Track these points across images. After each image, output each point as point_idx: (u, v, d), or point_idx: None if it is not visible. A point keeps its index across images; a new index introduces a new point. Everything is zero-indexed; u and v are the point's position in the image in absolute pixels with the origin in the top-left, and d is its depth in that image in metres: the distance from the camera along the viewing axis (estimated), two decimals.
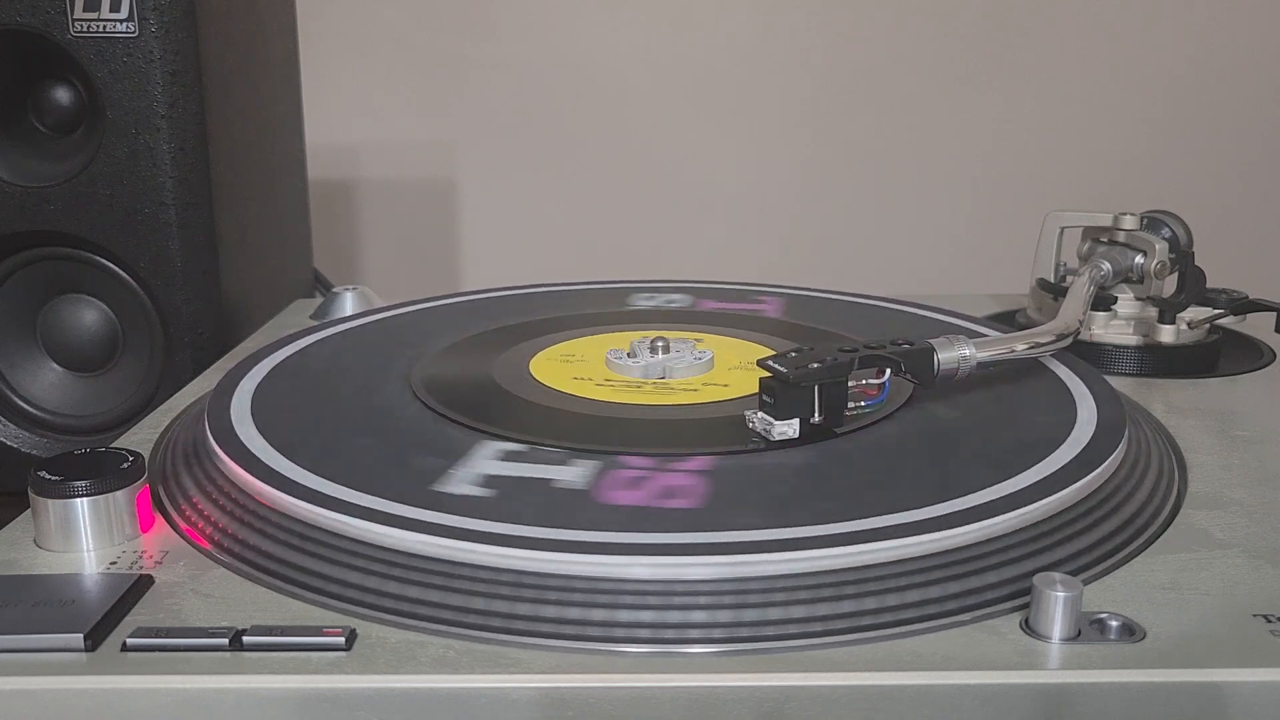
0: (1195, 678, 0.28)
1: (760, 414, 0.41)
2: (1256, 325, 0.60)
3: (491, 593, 0.31)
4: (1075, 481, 0.36)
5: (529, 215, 1.04)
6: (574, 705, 0.28)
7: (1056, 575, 0.30)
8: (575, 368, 0.50)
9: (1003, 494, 0.35)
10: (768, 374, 0.41)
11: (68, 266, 0.62)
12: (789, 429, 0.40)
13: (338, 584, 0.33)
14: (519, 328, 0.57)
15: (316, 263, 0.83)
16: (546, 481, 0.37)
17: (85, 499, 0.35)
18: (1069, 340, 0.48)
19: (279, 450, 0.39)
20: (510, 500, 0.35)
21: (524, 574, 0.31)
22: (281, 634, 0.30)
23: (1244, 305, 0.58)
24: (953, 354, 0.43)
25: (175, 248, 0.60)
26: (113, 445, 0.39)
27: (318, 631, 0.30)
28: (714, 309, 0.62)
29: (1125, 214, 0.59)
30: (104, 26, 0.57)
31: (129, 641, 0.30)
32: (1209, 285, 0.57)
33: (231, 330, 0.64)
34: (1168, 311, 0.56)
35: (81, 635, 0.30)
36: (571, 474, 0.38)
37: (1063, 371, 0.48)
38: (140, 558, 0.35)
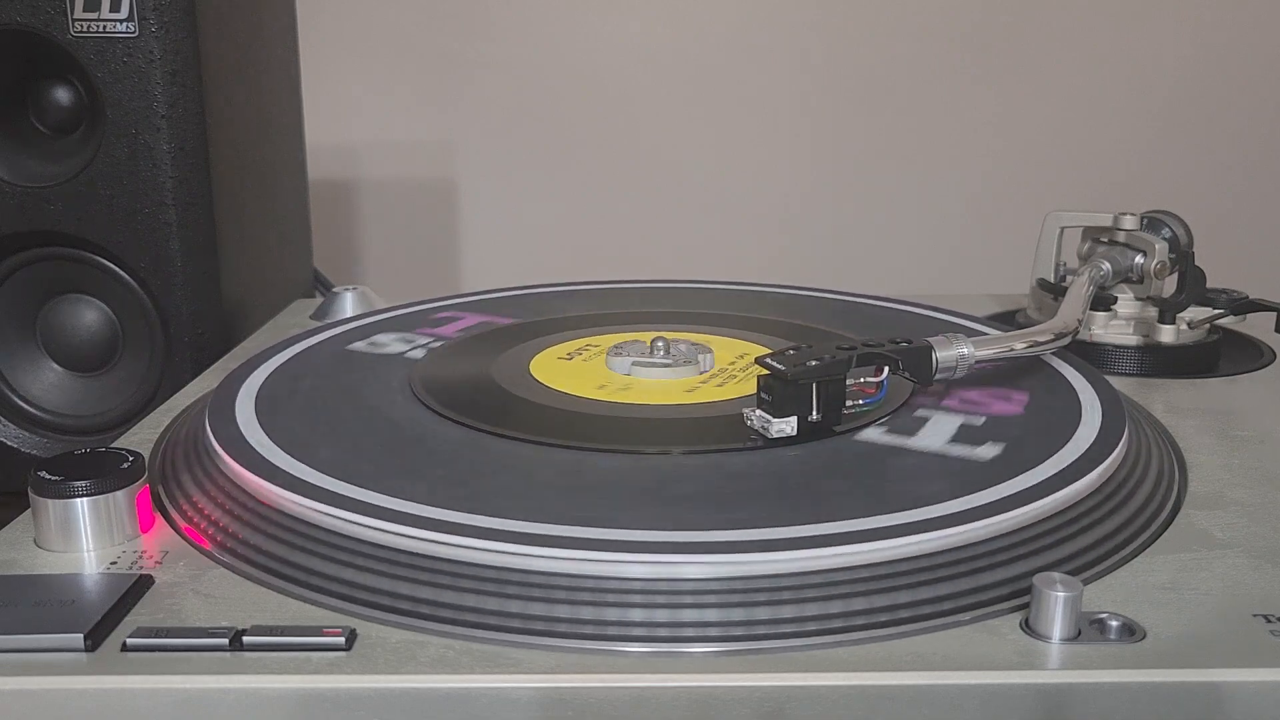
0: (1195, 678, 0.28)
1: (758, 411, 0.41)
2: (1256, 325, 0.60)
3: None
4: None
5: (529, 215, 1.04)
6: (574, 705, 0.28)
7: (1056, 575, 0.30)
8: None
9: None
10: (766, 372, 0.41)
11: (68, 266, 0.62)
12: (787, 426, 0.40)
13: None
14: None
15: (316, 263, 0.83)
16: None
17: (85, 499, 0.35)
18: (1067, 339, 0.48)
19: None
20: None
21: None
22: (281, 634, 0.30)
23: (1244, 305, 0.58)
24: (951, 352, 0.43)
25: (175, 248, 0.60)
26: (113, 445, 0.39)
27: (318, 631, 0.30)
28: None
29: (1125, 214, 0.59)
30: (104, 26, 0.57)
31: (129, 641, 0.30)
32: (1209, 285, 0.57)
33: (231, 330, 0.64)
34: (1168, 311, 0.56)
35: (81, 635, 0.30)
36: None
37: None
38: (140, 558, 0.35)
